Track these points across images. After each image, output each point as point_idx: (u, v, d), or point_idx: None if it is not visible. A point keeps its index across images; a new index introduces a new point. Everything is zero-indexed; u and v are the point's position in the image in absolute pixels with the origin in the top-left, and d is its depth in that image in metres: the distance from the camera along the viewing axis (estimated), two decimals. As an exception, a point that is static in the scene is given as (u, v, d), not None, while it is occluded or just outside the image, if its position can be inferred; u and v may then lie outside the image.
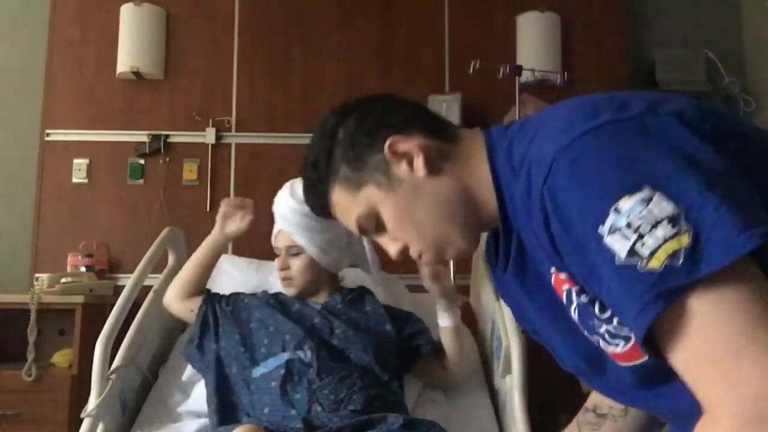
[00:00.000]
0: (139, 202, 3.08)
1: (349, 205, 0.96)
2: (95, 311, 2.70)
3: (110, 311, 1.84)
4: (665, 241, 0.62)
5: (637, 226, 0.63)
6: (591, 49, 3.23)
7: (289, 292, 1.91)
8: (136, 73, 3.07)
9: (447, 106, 3.02)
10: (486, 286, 2.09)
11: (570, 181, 0.69)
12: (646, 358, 0.71)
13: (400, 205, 0.93)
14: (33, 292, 2.50)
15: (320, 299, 1.91)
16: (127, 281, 1.98)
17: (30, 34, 3.22)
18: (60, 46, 3.17)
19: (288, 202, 1.88)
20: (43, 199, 3.08)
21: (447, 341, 1.88)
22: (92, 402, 1.71)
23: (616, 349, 0.79)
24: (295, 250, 1.88)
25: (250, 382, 1.75)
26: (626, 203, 0.64)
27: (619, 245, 0.64)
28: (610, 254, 0.65)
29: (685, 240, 0.61)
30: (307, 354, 1.71)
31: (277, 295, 1.94)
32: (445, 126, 0.99)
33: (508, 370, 1.79)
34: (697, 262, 0.61)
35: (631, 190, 0.65)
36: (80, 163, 3.09)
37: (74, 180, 3.09)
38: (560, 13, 3.18)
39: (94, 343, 1.75)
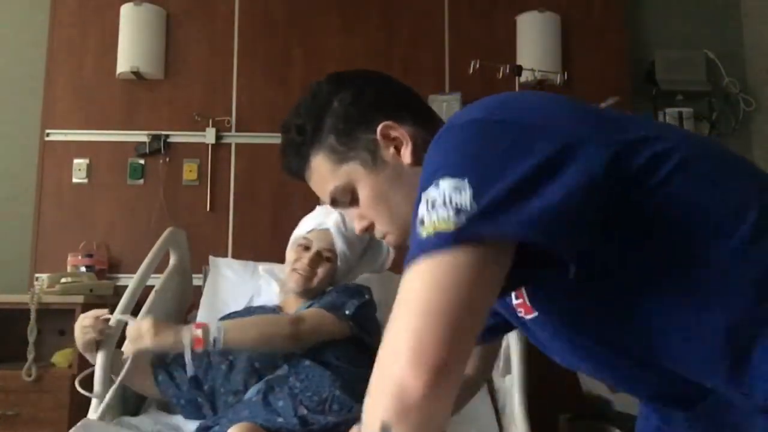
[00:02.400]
0: (139, 202, 3.08)
1: (328, 174, 0.99)
2: (95, 311, 2.70)
3: (110, 311, 1.84)
4: (440, 220, 0.72)
5: (435, 202, 0.73)
6: (591, 49, 3.23)
7: (296, 285, 1.89)
8: (136, 73, 3.07)
9: (447, 106, 3.02)
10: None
11: (432, 149, 0.80)
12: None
13: (380, 186, 0.97)
14: (33, 292, 2.50)
15: (292, 308, 1.91)
16: (127, 281, 1.98)
17: (30, 34, 3.22)
18: (60, 46, 3.17)
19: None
20: (43, 199, 3.08)
21: None
22: (93, 403, 1.72)
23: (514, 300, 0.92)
24: (329, 255, 1.89)
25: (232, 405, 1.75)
26: (445, 182, 0.73)
27: (422, 210, 0.74)
28: (415, 212, 0.75)
29: (452, 227, 0.71)
30: (283, 368, 1.71)
31: (254, 312, 1.92)
32: (432, 118, 1.03)
33: (508, 370, 1.79)
34: (442, 243, 0.71)
35: (454, 174, 0.73)
36: (80, 163, 3.09)
37: (74, 180, 3.09)
38: (560, 13, 3.18)
39: (95, 343, 1.75)
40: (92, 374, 1.73)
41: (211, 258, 2.61)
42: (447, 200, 0.72)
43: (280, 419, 1.58)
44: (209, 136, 3.10)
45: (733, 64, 3.28)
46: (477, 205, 0.71)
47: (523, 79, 2.80)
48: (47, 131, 3.11)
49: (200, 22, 3.22)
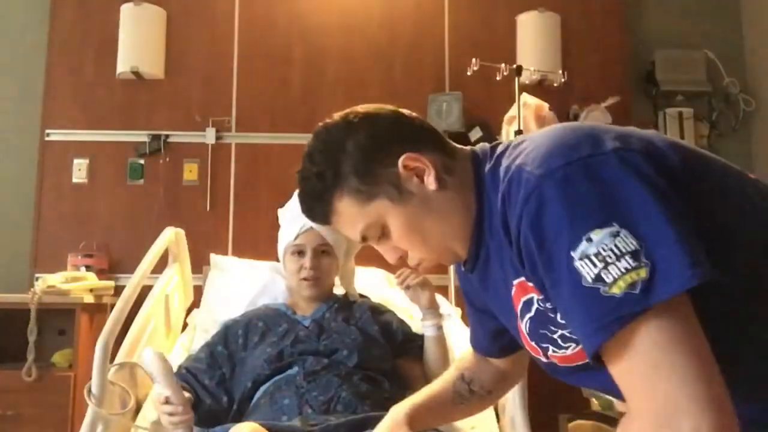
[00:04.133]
0: (139, 202, 3.08)
1: (356, 215, 1.00)
2: (95, 311, 2.70)
3: (110, 311, 1.84)
4: (627, 272, 0.73)
5: (604, 257, 0.74)
6: (591, 49, 3.23)
7: (311, 292, 1.88)
8: (136, 73, 3.07)
9: (447, 106, 3.02)
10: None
11: (550, 207, 0.79)
12: (587, 360, 0.80)
13: (411, 217, 0.98)
14: (33, 292, 2.50)
15: (308, 311, 1.90)
16: (127, 281, 1.98)
17: (30, 34, 3.22)
18: (60, 46, 3.17)
19: None
20: (43, 199, 3.08)
21: (431, 350, 1.86)
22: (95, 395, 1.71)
23: (567, 351, 0.92)
24: (326, 248, 1.88)
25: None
26: (597, 235, 0.75)
27: (587, 270, 0.75)
28: (577, 276, 0.75)
29: (643, 273, 0.72)
30: (293, 368, 1.70)
31: (266, 316, 1.90)
32: (445, 142, 1.05)
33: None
34: (650, 292, 0.72)
35: (602, 225, 0.75)
36: (80, 163, 3.09)
37: (74, 180, 3.09)
38: (560, 13, 3.18)
39: (94, 343, 1.75)
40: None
41: (212, 256, 2.61)
42: (615, 250, 0.73)
43: (284, 417, 1.58)
44: (209, 136, 3.10)
45: (733, 64, 3.28)
46: (646, 246, 0.73)
47: (523, 79, 2.80)
48: (47, 131, 3.11)
49: (200, 22, 3.22)
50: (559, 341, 0.91)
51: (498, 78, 2.73)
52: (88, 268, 2.86)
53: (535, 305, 0.91)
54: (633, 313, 0.72)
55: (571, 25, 3.22)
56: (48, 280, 2.57)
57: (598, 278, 0.73)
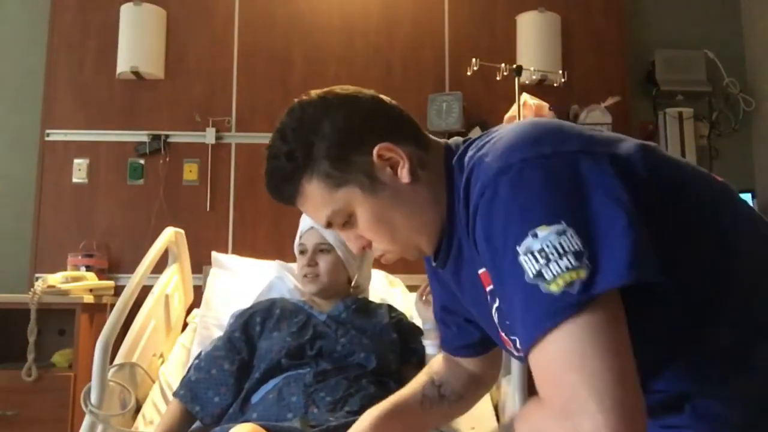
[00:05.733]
0: (139, 202, 3.08)
1: (323, 199, 0.97)
2: (95, 311, 2.70)
3: (110, 311, 1.84)
4: (567, 270, 0.72)
5: (547, 253, 0.73)
6: (591, 49, 3.23)
7: (310, 288, 1.90)
8: (136, 73, 3.07)
9: (447, 106, 3.02)
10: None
11: (501, 200, 0.79)
12: None
13: (380, 208, 0.96)
14: (33, 292, 2.50)
15: (325, 308, 1.90)
16: (127, 281, 1.98)
17: (30, 34, 3.22)
18: (60, 46, 3.17)
19: None
20: (43, 199, 3.08)
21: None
22: (92, 402, 1.72)
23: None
24: (324, 247, 1.89)
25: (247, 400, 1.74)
26: (543, 231, 0.74)
27: (529, 266, 0.74)
28: (520, 271, 0.75)
29: (583, 273, 0.72)
30: (304, 368, 1.71)
31: (284, 306, 1.90)
32: (421, 134, 1.02)
33: (507, 370, 1.79)
34: (586, 292, 0.72)
35: (549, 222, 0.74)
36: (80, 163, 3.09)
37: (74, 180, 3.09)
38: (560, 13, 3.18)
39: (94, 343, 1.75)
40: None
41: (213, 254, 2.61)
42: (559, 248, 0.73)
43: (290, 414, 1.58)
44: (209, 136, 3.10)
45: (733, 64, 3.28)
46: (590, 247, 0.73)
47: (523, 79, 2.80)
48: (47, 131, 3.11)
49: (200, 22, 3.22)
50: None
51: (498, 78, 2.73)
52: (88, 268, 2.86)
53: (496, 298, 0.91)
54: (567, 312, 0.71)
55: (571, 25, 3.22)
56: (48, 280, 2.57)
57: (539, 275, 0.73)
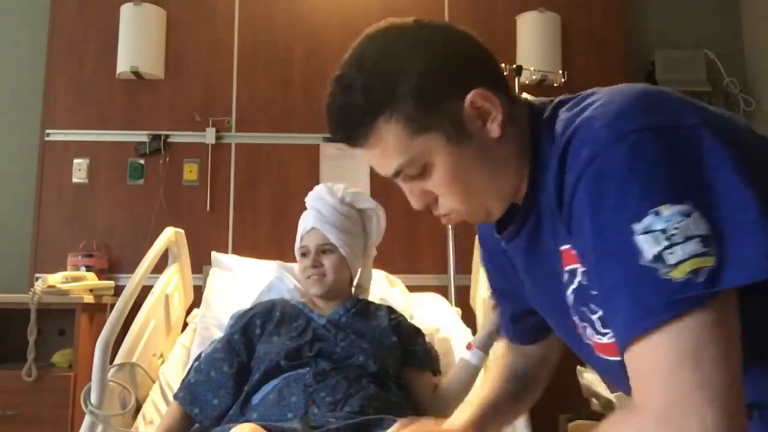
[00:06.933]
0: (139, 202, 3.08)
1: (398, 145, 0.84)
2: (95, 311, 2.70)
3: (110, 311, 1.84)
4: (693, 257, 0.64)
5: (671, 235, 0.65)
6: (591, 49, 3.23)
7: (316, 290, 1.88)
8: (136, 73, 3.07)
9: (447, 106, 3.02)
10: (487, 286, 2.08)
11: (616, 171, 0.69)
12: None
13: (463, 163, 0.84)
14: (33, 292, 2.50)
15: (325, 310, 1.90)
16: (127, 281, 1.98)
17: (30, 34, 3.22)
18: (60, 46, 3.17)
19: (329, 200, 1.89)
20: (43, 199, 3.08)
21: (462, 374, 1.82)
22: (92, 402, 1.72)
23: (602, 339, 0.82)
24: (327, 248, 1.88)
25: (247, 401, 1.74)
26: (667, 210, 0.66)
27: (648, 246, 0.66)
28: (634, 251, 0.66)
29: (710, 261, 0.64)
30: (304, 368, 1.70)
31: (284, 309, 1.89)
32: (508, 85, 0.89)
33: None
34: (714, 282, 0.64)
35: (674, 201, 0.66)
36: (80, 163, 3.09)
37: (74, 180, 3.09)
38: (560, 13, 3.18)
39: (94, 343, 1.75)
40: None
41: (213, 254, 2.61)
42: (685, 231, 0.65)
43: (290, 414, 1.58)
44: (209, 136, 3.10)
45: (733, 64, 3.28)
46: (718, 234, 0.65)
47: (523, 79, 2.80)
48: (47, 131, 3.11)
49: (200, 22, 3.22)
50: (598, 324, 0.82)
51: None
52: (88, 268, 2.86)
53: (578, 277, 0.81)
54: (688, 303, 0.63)
55: (571, 25, 3.22)
56: (48, 280, 2.57)
57: (658, 258, 0.65)
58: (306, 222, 1.93)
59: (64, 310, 2.60)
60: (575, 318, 0.86)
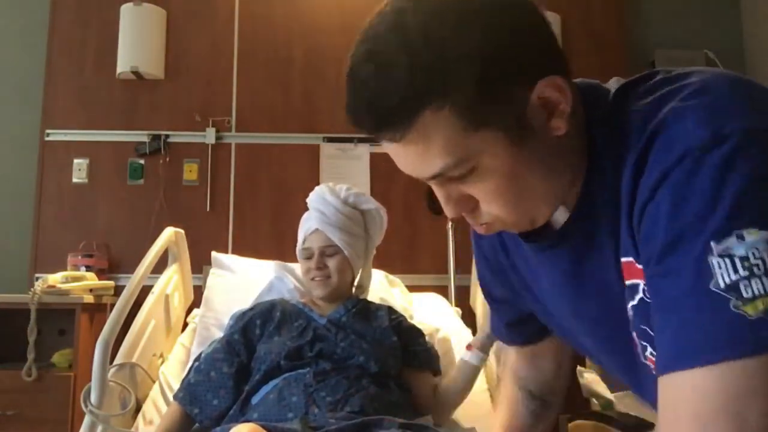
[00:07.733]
0: (139, 202, 3.08)
1: (448, 142, 0.67)
2: (95, 311, 2.70)
3: (110, 311, 1.84)
4: None
5: (752, 264, 0.56)
6: (591, 49, 3.23)
7: (320, 292, 1.88)
8: (136, 73, 3.07)
9: (447, 106, 3.02)
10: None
11: (707, 178, 0.60)
12: None
13: (520, 163, 0.70)
14: (33, 292, 2.50)
15: (326, 311, 1.89)
16: (127, 281, 1.98)
17: (30, 34, 3.22)
18: (60, 46, 3.17)
19: (331, 201, 1.89)
20: (43, 199, 3.08)
21: (462, 375, 1.82)
22: (92, 402, 1.72)
23: None
24: (331, 251, 1.87)
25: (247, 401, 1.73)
26: (753, 236, 0.57)
27: (723, 271, 0.57)
28: (706, 273, 0.58)
29: None
30: (304, 368, 1.70)
31: (284, 309, 1.89)
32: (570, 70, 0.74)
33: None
34: None
35: (763, 225, 0.57)
36: (80, 163, 3.09)
37: (74, 180, 3.09)
38: (560, 13, 3.18)
39: (94, 343, 1.75)
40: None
41: (213, 254, 2.61)
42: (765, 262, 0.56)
43: (290, 414, 1.58)
44: (209, 136, 3.10)
45: (733, 64, 3.28)
46: None
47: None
48: (47, 131, 3.11)
49: (200, 22, 3.22)
50: None
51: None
52: (88, 268, 2.86)
53: (640, 294, 0.70)
54: (757, 346, 0.55)
55: (571, 25, 3.22)
56: (48, 280, 2.57)
57: (734, 287, 0.56)
58: (309, 223, 1.92)
59: (64, 310, 2.60)
60: (634, 334, 0.75)
